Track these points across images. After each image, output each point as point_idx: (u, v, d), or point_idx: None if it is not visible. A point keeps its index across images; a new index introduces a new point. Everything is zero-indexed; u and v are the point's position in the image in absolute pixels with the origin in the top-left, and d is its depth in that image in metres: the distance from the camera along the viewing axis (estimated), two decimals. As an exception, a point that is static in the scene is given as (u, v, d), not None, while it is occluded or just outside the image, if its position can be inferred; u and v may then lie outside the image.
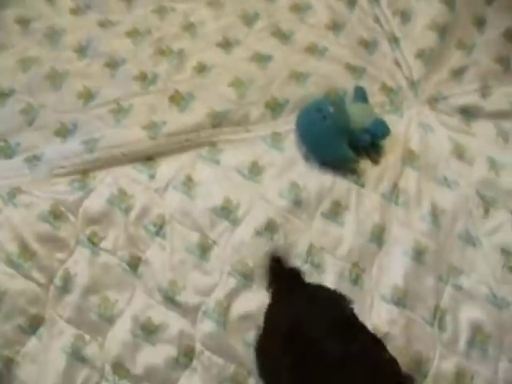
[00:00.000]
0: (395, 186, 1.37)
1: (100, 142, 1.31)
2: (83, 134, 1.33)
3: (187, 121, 1.38)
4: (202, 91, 1.44)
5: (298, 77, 1.50)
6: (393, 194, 1.36)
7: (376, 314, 1.21)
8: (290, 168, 1.36)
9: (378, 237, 1.30)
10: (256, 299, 1.18)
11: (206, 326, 1.16)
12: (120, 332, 1.14)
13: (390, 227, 1.32)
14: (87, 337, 1.13)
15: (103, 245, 1.21)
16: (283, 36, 1.58)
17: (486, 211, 1.37)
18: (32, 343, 1.11)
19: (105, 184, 1.27)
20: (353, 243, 1.28)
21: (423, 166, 1.42)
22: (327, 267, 1.24)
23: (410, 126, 1.48)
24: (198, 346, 1.15)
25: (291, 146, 1.39)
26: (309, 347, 0.94)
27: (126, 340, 1.14)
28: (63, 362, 1.10)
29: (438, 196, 1.38)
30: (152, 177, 1.30)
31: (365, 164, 1.39)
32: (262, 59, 1.52)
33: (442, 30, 1.62)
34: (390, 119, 1.44)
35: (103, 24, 1.54)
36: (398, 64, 1.59)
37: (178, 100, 1.42)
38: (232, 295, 1.19)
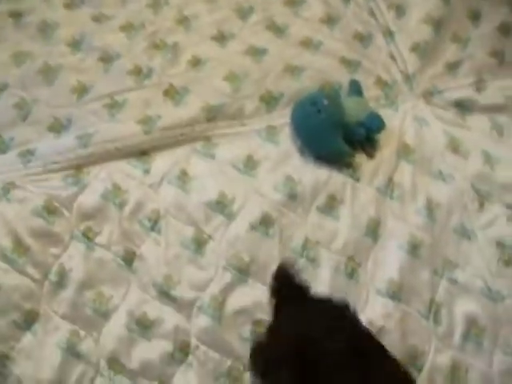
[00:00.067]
0: (390, 179, 1.37)
1: (94, 136, 1.30)
2: (77, 128, 1.32)
3: (182, 115, 1.37)
4: (197, 85, 1.43)
5: (292, 70, 1.49)
6: (388, 187, 1.36)
7: (371, 308, 1.21)
8: (285, 162, 1.35)
9: (374, 231, 1.30)
10: (251, 294, 1.18)
11: (202, 321, 1.16)
12: (115, 327, 1.14)
13: (385, 221, 1.32)
14: (82, 332, 1.13)
15: (98, 240, 1.21)
16: (278, 30, 1.57)
17: (481, 205, 1.38)
18: (27, 339, 1.11)
19: (99, 179, 1.27)
20: (348, 237, 1.28)
21: (418, 159, 1.42)
22: (322, 261, 1.24)
23: (405, 120, 1.48)
24: (194, 341, 1.14)
25: (286, 139, 1.39)
26: (322, 369, 0.90)
27: (121, 335, 1.13)
28: (58, 357, 1.10)
29: (433, 190, 1.38)
30: (147, 171, 1.30)
31: (360, 158, 1.39)
32: (256, 53, 1.51)
33: (437, 24, 1.62)
34: (385, 113, 1.44)
35: (97, 18, 1.53)
36: (392, 58, 1.58)
37: (173, 94, 1.41)
38: (227, 290, 1.18)
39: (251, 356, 1.04)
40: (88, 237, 1.21)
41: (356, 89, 1.44)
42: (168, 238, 1.23)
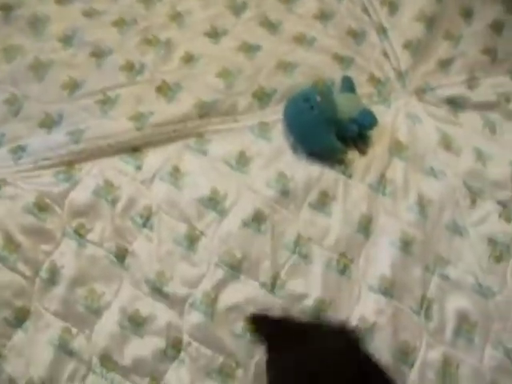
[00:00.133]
0: (382, 176, 1.38)
1: (86, 132, 1.29)
2: (69, 124, 1.31)
3: (174, 111, 1.37)
4: (190, 81, 1.43)
5: (285, 67, 1.49)
6: (380, 184, 1.36)
7: (363, 304, 1.21)
8: (277, 158, 1.35)
9: (366, 227, 1.30)
10: (244, 290, 1.18)
11: (194, 318, 1.15)
12: (107, 324, 1.13)
13: (377, 217, 1.32)
14: (74, 329, 1.12)
15: (90, 237, 1.20)
16: (271, 26, 1.57)
17: (473, 202, 1.38)
18: (18, 336, 1.10)
19: (91, 175, 1.26)
20: (340, 233, 1.28)
21: (410, 156, 1.42)
22: (315, 257, 1.24)
23: (397, 117, 1.48)
24: (186, 338, 1.14)
25: (279, 135, 1.39)
26: None
27: (113, 332, 1.13)
28: (50, 354, 1.09)
29: (425, 186, 1.38)
30: (139, 168, 1.29)
31: (352, 154, 1.39)
32: (249, 49, 1.51)
33: (430, 21, 1.62)
34: (378, 110, 1.44)
35: (89, 13, 1.51)
36: (385, 55, 1.58)
37: (165, 90, 1.41)
38: (219, 286, 1.18)
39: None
40: (80, 233, 1.20)
41: (349, 85, 1.44)
42: (160, 235, 1.22)
